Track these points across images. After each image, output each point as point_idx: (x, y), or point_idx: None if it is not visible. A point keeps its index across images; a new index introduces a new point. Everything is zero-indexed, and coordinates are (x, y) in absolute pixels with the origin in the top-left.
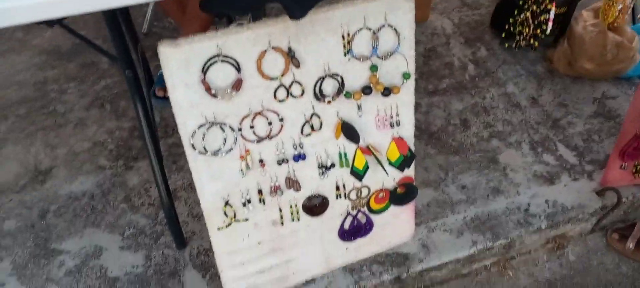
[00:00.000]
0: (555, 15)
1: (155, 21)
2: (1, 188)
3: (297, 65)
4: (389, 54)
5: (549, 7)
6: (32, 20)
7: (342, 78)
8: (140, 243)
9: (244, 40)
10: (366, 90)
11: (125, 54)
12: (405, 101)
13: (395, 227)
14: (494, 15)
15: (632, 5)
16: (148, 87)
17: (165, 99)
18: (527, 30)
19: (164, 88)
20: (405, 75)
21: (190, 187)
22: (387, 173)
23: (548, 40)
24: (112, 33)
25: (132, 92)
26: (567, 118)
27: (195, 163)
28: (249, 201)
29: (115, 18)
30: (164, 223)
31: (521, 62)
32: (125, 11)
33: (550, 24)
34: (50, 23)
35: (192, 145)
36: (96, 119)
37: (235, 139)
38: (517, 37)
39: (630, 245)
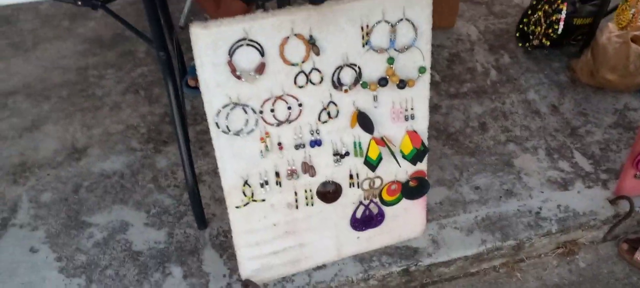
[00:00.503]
0: (581, 25)
1: (192, 16)
2: (40, 163)
3: (317, 53)
4: (406, 47)
5: (560, 7)
6: None
7: (359, 68)
8: (164, 221)
9: (268, 26)
10: (382, 81)
11: (159, 37)
12: (420, 95)
13: (406, 220)
14: (519, 24)
15: None
16: (181, 76)
17: (197, 88)
18: (539, 29)
19: (195, 78)
20: (421, 69)
21: (215, 172)
22: (399, 165)
23: (573, 49)
24: (148, 14)
25: (164, 73)
26: (586, 127)
27: (219, 141)
28: (266, 182)
29: (152, 1)
30: (188, 204)
31: (544, 70)
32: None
33: (561, 24)
34: (95, 6)
35: (216, 124)
36: (130, 104)
37: (257, 121)
38: (530, 37)
39: (639, 257)
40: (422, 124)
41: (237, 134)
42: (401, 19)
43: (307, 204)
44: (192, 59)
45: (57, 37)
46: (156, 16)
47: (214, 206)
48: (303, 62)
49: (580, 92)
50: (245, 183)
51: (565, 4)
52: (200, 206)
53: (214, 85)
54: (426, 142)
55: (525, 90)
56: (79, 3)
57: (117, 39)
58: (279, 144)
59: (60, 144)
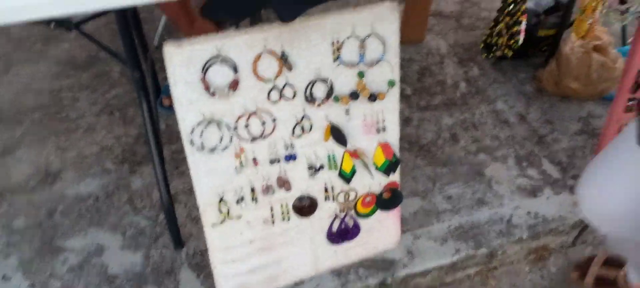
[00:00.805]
0: (545, 36)
1: (166, 35)
2: (13, 188)
3: (290, 69)
4: (375, 61)
5: (520, 19)
6: (44, 17)
7: (331, 83)
8: (140, 243)
9: (241, 43)
10: (354, 95)
11: (133, 57)
12: (390, 107)
13: (381, 232)
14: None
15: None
16: (155, 96)
17: (171, 108)
18: (502, 41)
19: (170, 97)
20: (390, 83)
21: (190, 191)
22: (373, 177)
23: (539, 60)
24: (122, 35)
25: (139, 93)
26: (552, 135)
27: (193, 158)
28: (242, 199)
29: (126, 20)
30: (164, 225)
31: (511, 81)
32: (135, 19)
33: (522, 35)
34: (68, 28)
35: (191, 141)
36: (105, 125)
37: (231, 138)
38: (494, 48)
39: (589, 280)
40: (393, 136)
41: (211, 151)
42: (370, 35)
43: (283, 219)
44: (166, 78)
45: (29, 60)
46: (130, 36)
47: (191, 225)
48: (276, 77)
49: (546, 101)
50: (221, 200)
51: (525, 16)
52: (176, 226)
53: (188, 102)
54: (398, 154)
55: (494, 101)
56: (52, 26)
57: (91, 61)
58: (254, 159)
59: (34, 168)
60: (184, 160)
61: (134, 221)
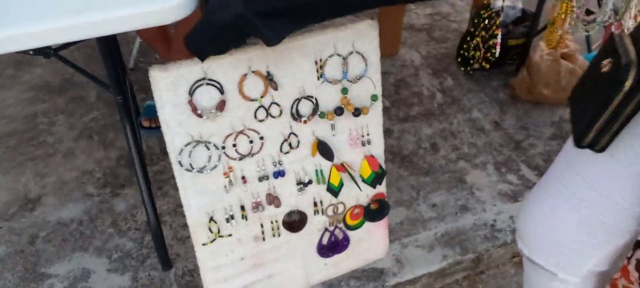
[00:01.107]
0: (515, 45)
1: (141, 57)
2: None
3: (276, 88)
4: (358, 77)
5: (496, 32)
6: (36, 46)
7: (316, 100)
8: (127, 266)
9: (226, 65)
10: (338, 111)
11: (116, 81)
12: (374, 121)
13: (370, 243)
14: (459, 48)
15: (583, 34)
16: (134, 117)
17: (151, 128)
18: (478, 54)
19: (149, 118)
20: (373, 97)
21: (175, 211)
22: (360, 189)
23: (510, 68)
24: (105, 59)
25: (123, 117)
26: (528, 140)
27: (182, 179)
28: (232, 217)
29: (108, 46)
30: (150, 246)
31: (485, 90)
32: (114, 44)
33: (498, 48)
34: (46, 55)
35: (179, 163)
36: (84, 149)
37: (219, 157)
38: (471, 61)
39: None
40: (378, 148)
41: (200, 171)
42: (351, 52)
43: (273, 235)
44: (144, 99)
45: (1, 86)
46: (113, 61)
47: (177, 246)
48: (262, 97)
49: (519, 108)
50: (211, 219)
51: (500, 29)
52: (164, 247)
53: (176, 124)
54: (383, 165)
55: (469, 110)
56: (31, 52)
57: (66, 85)
58: (243, 177)
59: (12, 195)
60: (166, 181)
61: (119, 244)
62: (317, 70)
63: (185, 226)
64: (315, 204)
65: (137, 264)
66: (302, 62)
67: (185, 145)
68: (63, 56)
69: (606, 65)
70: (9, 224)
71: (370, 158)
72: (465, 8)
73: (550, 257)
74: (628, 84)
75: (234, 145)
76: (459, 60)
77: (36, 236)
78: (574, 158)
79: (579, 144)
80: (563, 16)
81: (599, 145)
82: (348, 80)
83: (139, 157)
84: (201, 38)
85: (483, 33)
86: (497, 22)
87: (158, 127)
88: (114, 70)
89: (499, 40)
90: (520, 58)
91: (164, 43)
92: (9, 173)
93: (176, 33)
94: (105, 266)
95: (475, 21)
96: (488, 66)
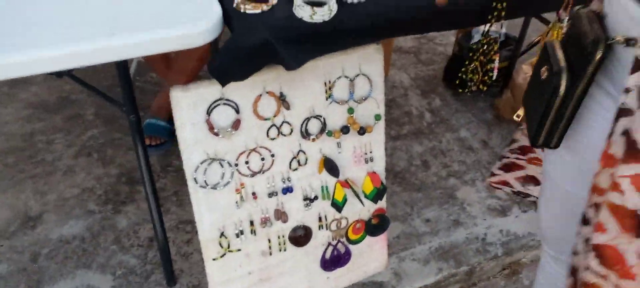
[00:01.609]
0: (499, 68)
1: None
2: None
3: (288, 108)
4: (363, 98)
5: (493, 57)
6: (57, 69)
7: (324, 119)
8: (131, 282)
9: (242, 86)
10: (345, 129)
11: (131, 101)
12: (377, 139)
13: (370, 257)
14: (445, 70)
15: None
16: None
17: (151, 146)
18: (477, 77)
19: (149, 136)
20: (377, 117)
21: (177, 228)
22: (363, 204)
23: (495, 90)
24: (121, 80)
25: (134, 135)
26: None
27: (196, 196)
28: (241, 232)
29: (125, 68)
30: (154, 263)
31: (472, 110)
32: (125, 63)
33: (495, 71)
34: (59, 74)
35: (195, 179)
36: (84, 167)
37: (232, 174)
38: (469, 83)
39: None
40: (380, 165)
41: (214, 187)
42: (358, 74)
43: (280, 250)
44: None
45: None
46: (129, 82)
47: (181, 262)
48: (274, 116)
49: (505, 127)
50: (222, 234)
51: (498, 55)
52: (170, 263)
53: (193, 142)
54: (384, 182)
55: (458, 129)
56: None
57: (63, 103)
58: (253, 193)
59: (12, 212)
60: (167, 198)
61: (123, 260)
62: (326, 91)
63: (188, 242)
64: (320, 219)
65: (141, 280)
66: (313, 83)
67: (201, 163)
68: (76, 76)
69: (544, 72)
70: (10, 242)
71: (373, 175)
72: (450, 32)
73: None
74: (562, 89)
75: (247, 163)
76: (458, 82)
77: (38, 254)
78: (544, 157)
79: (534, 144)
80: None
81: (551, 143)
82: (354, 101)
83: (149, 175)
84: (225, 64)
85: (482, 58)
86: (495, 48)
87: (157, 145)
88: (129, 91)
89: (496, 64)
90: (505, 80)
91: (163, 63)
92: (7, 191)
93: (176, 53)
94: (110, 283)
95: (475, 46)
96: (485, 89)
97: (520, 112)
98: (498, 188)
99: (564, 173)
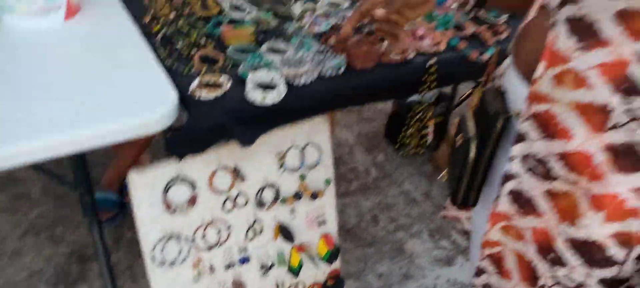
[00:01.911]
0: (435, 124)
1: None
2: None
3: (243, 180)
4: (314, 165)
5: (428, 124)
6: (32, 161)
7: (278, 187)
8: None
9: (199, 162)
10: (297, 196)
11: (85, 183)
12: (328, 202)
13: None
14: (386, 126)
15: None
16: None
17: (105, 221)
18: (414, 141)
19: (102, 211)
20: (327, 181)
21: None
22: (317, 267)
23: (431, 145)
24: (76, 164)
25: (89, 216)
26: None
27: (154, 274)
28: None
29: (82, 154)
30: None
31: (413, 164)
32: None
33: (430, 136)
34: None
35: (152, 258)
36: (32, 247)
37: (189, 249)
38: (407, 147)
39: None
40: (332, 227)
41: (171, 264)
42: (307, 143)
43: None
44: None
45: None
46: (84, 166)
47: None
48: (230, 189)
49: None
50: None
51: (432, 121)
52: None
53: (150, 221)
54: (337, 242)
55: (402, 183)
56: None
57: (5, 183)
58: (211, 266)
59: None
60: (121, 272)
61: None
62: (279, 161)
63: None
64: (277, 286)
65: None
66: (266, 155)
67: (159, 241)
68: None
69: (459, 139)
70: None
71: (326, 237)
72: None
73: None
74: (472, 155)
75: (203, 237)
76: (397, 146)
77: None
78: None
79: (454, 202)
80: None
81: (469, 202)
82: (305, 168)
83: (105, 255)
84: (184, 141)
85: (417, 124)
86: (428, 115)
87: (109, 219)
88: (84, 174)
89: (430, 130)
90: (440, 134)
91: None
92: None
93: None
94: None
95: (410, 113)
96: (422, 151)
97: (445, 173)
98: (450, 220)
99: (483, 226)
